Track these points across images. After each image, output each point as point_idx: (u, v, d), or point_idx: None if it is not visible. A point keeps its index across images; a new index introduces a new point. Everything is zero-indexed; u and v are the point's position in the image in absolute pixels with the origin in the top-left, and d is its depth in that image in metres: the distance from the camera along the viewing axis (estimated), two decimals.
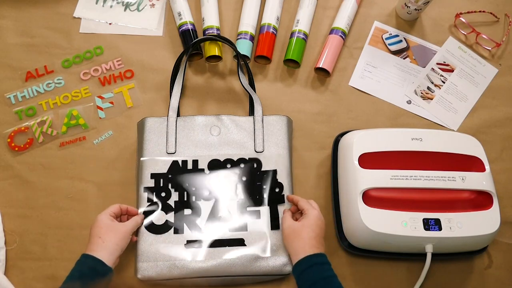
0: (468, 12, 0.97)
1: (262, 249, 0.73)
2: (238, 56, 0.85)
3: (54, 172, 0.82)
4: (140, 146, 0.79)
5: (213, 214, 0.74)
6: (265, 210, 0.75)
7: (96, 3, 0.96)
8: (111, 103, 0.88)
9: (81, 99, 0.88)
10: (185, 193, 0.76)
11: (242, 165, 0.78)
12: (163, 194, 0.75)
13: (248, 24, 0.91)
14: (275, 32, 0.92)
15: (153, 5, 0.96)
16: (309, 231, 0.67)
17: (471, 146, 0.75)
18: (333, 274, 0.65)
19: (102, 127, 0.86)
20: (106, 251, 0.65)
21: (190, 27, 0.91)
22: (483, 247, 0.75)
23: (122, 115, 0.87)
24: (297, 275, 0.65)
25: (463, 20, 0.95)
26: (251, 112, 0.84)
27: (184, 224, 0.74)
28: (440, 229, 0.69)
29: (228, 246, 0.72)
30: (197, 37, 0.90)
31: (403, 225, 0.69)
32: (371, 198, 0.72)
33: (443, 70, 0.93)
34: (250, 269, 0.72)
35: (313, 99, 0.89)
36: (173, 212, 0.74)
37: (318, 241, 0.67)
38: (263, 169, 0.78)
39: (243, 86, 0.84)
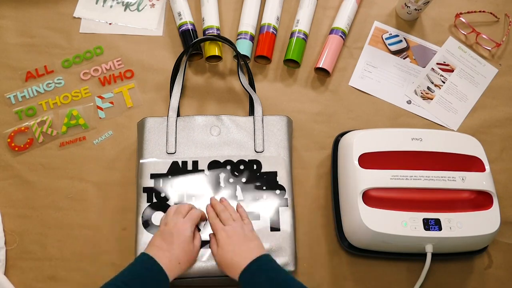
0: (468, 12, 0.97)
1: None
2: (238, 56, 0.85)
3: (54, 172, 0.82)
4: (140, 146, 0.79)
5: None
6: (265, 211, 0.75)
7: (96, 3, 0.96)
8: (111, 103, 0.88)
9: (81, 99, 0.88)
10: (185, 194, 0.76)
11: (242, 167, 0.78)
12: (162, 195, 0.75)
13: (248, 24, 0.91)
14: (275, 32, 0.92)
15: (153, 5, 0.96)
16: (228, 256, 0.66)
17: (471, 146, 0.75)
18: (273, 267, 0.64)
19: (102, 127, 0.86)
20: (177, 273, 0.65)
21: (190, 27, 0.91)
22: (483, 247, 0.75)
23: (122, 115, 0.87)
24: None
25: (463, 20, 0.95)
26: (251, 112, 0.84)
27: None
28: (440, 229, 0.69)
29: None
30: (197, 37, 0.90)
31: (403, 225, 0.69)
32: (371, 198, 0.72)
33: (443, 70, 0.93)
34: None
35: (313, 99, 0.89)
36: None
37: (240, 252, 0.66)
38: (263, 170, 0.78)
39: (243, 86, 0.84)
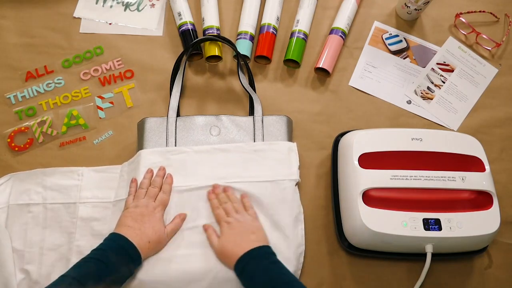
0: (468, 12, 0.97)
1: None
2: (238, 56, 0.85)
3: None
4: (140, 146, 0.79)
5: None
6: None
7: (96, 3, 0.96)
8: (111, 103, 0.88)
9: (81, 99, 0.88)
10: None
11: None
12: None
13: (248, 24, 0.91)
14: (275, 32, 0.92)
15: (153, 5, 0.96)
16: (228, 247, 0.67)
17: (471, 146, 0.75)
18: (268, 257, 0.65)
19: (102, 127, 0.86)
20: (147, 252, 0.67)
21: (190, 27, 0.91)
22: (483, 247, 0.74)
23: (122, 115, 0.87)
24: (238, 275, 0.66)
25: (463, 20, 0.95)
26: (251, 112, 0.84)
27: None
28: (440, 229, 0.69)
29: None
30: (197, 37, 0.90)
31: (403, 225, 0.69)
32: (371, 198, 0.72)
33: (443, 70, 0.93)
34: None
35: (313, 99, 0.89)
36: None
37: (240, 243, 0.67)
38: None
39: (243, 86, 0.84)
